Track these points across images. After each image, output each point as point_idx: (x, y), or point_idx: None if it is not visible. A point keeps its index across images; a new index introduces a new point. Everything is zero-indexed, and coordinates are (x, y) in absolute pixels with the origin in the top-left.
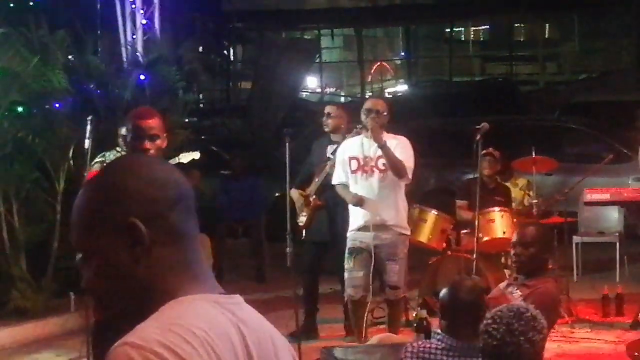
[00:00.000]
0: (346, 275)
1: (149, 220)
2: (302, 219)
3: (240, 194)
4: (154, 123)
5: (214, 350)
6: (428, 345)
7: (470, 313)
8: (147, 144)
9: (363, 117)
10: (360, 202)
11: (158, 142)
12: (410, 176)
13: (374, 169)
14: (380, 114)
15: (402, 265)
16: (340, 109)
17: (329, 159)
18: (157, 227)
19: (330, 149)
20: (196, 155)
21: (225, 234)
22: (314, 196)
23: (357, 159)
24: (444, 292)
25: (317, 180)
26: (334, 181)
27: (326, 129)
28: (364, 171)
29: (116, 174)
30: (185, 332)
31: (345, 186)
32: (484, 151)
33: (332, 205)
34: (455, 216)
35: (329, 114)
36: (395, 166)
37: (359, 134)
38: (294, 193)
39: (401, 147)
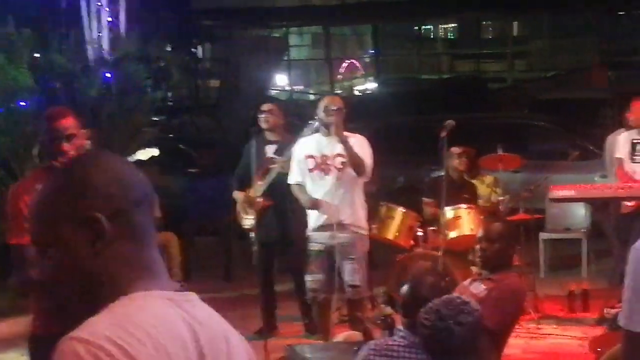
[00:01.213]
0: (307, 277)
1: (112, 216)
2: (248, 222)
3: (208, 192)
4: (68, 123)
5: (164, 348)
6: (391, 343)
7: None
8: (65, 146)
9: (322, 114)
10: (315, 205)
11: (76, 141)
12: (369, 174)
13: (331, 167)
14: (341, 110)
15: (361, 264)
16: (278, 107)
17: (271, 158)
18: (120, 223)
19: (270, 148)
20: (155, 152)
21: (193, 233)
22: (260, 198)
23: (314, 158)
24: (404, 288)
25: (261, 181)
26: (290, 181)
27: (264, 126)
28: (321, 170)
29: (83, 169)
30: (135, 328)
31: (302, 186)
32: (452, 148)
33: (281, 205)
34: (423, 213)
35: (270, 110)
36: (356, 162)
37: (317, 131)
38: (237, 195)
39: (359, 146)
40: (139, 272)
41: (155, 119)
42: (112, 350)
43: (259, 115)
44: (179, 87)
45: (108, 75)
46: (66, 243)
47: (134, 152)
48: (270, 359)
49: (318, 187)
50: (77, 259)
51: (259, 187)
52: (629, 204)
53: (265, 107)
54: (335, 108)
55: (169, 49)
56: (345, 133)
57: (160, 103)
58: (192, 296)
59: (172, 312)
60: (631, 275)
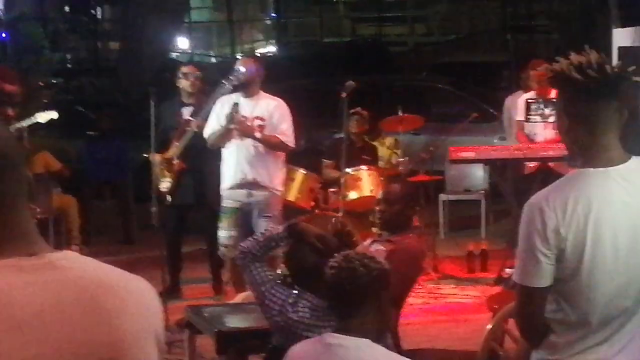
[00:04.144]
0: (220, 233)
1: None
2: (166, 185)
3: (106, 155)
4: (12, 89)
5: None
6: (296, 318)
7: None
8: (9, 111)
9: (234, 76)
10: (231, 117)
11: (17, 109)
12: (292, 144)
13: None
14: (251, 71)
15: (275, 222)
16: (197, 70)
17: (188, 120)
18: None
19: (186, 110)
20: (54, 114)
21: (92, 196)
22: (176, 160)
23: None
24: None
25: (178, 143)
26: (206, 133)
27: (190, 90)
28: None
29: None
30: None
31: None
32: (352, 110)
33: (197, 167)
34: (323, 175)
35: (188, 73)
36: (275, 147)
37: (230, 92)
38: (155, 157)
39: (280, 114)
40: None
41: (53, 80)
42: None
43: (180, 79)
44: (78, 48)
45: (3, 35)
46: None
47: (32, 114)
48: (170, 320)
49: (236, 147)
50: None
51: (176, 149)
52: (530, 165)
53: (185, 69)
54: (244, 70)
55: (67, 10)
56: (265, 95)
57: (59, 65)
58: (53, 260)
59: (12, 279)
60: (524, 231)
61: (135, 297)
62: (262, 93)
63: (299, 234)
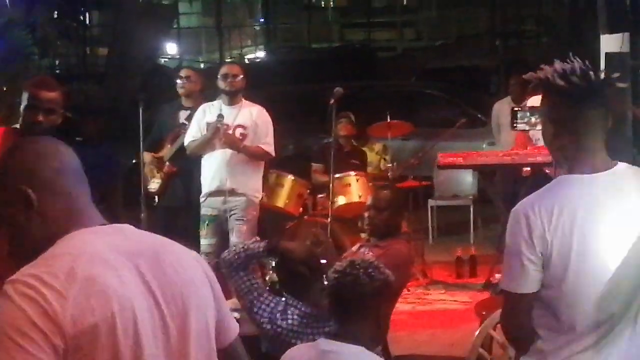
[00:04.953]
0: (202, 241)
1: (37, 186)
2: (155, 185)
3: (95, 160)
4: (53, 96)
5: (77, 261)
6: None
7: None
8: (41, 117)
9: (221, 83)
10: (216, 129)
11: (53, 117)
12: (273, 153)
13: None
14: (237, 77)
15: (250, 226)
16: (197, 74)
17: (183, 124)
18: (45, 191)
19: (183, 114)
20: None
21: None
22: (167, 162)
23: None
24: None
25: (171, 145)
26: (187, 140)
27: (181, 92)
28: (219, 138)
29: (7, 151)
30: (53, 260)
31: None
32: (348, 133)
33: (188, 171)
34: (312, 181)
35: (187, 77)
36: (257, 157)
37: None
38: (145, 156)
39: (262, 122)
40: (69, 222)
41: None
42: (31, 281)
43: (177, 81)
44: (67, 54)
45: None
46: (9, 217)
47: (19, 120)
48: None
49: (217, 154)
50: (18, 226)
51: (168, 151)
52: (527, 169)
53: (183, 72)
54: (233, 75)
55: (56, 16)
56: (247, 102)
57: (48, 71)
58: (117, 227)
59: (93, 238)
60: (510, 237)
61: (183, 254)
62: (244, 101)
63: (280, 255)
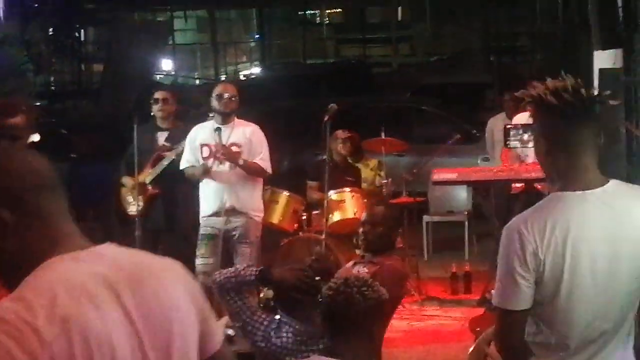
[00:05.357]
0: (198, 261)
1: (13, 205)
2: (134, 208)
3: (89, 178)
4: (16, 122)
5: (57, 295)
6: (279, 344)
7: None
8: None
9: (215, 103)
10: (207, 170)
11: (19, 142)
12: (270, 170)
13: None
14: (233, 98)
15: (254, 248)
16: (173, 95)
17: (164, 146)
18: (22, 210)
19: (161, 135)
20: (35, 137)
21: (74, 218)
22: (149, 185)
23: (209, 146)
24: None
25: (152, 168)
26: (182, 165)
27: (159, 115)
28: (216, 158)
29: None
30: (32, 294)
31: (193, 166)
32: (345, 136)
33: (170, 194)
34: (307, 197)
35: (165, 99)
36: (254, 172)
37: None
38: (126, 180)
39: (257, 140)
40: (49, 246)
41: (37, 103)
42: (11, 317)
43: (153, 104)
44: (62, 71)
45: None
46: None
47: None
48: None
49: (214, 175)
50: None
51: (149, 174)
52: (518, 185)
53: (159, 95)
54: (228, 96)
55: (50, 33)
56: (240, 121)
57: (43, 87)
58: (98, 252)
59: (74, 267)
60: (503, 254)
61: (167, 274)
62: (236, 119)
63: (272, 284)
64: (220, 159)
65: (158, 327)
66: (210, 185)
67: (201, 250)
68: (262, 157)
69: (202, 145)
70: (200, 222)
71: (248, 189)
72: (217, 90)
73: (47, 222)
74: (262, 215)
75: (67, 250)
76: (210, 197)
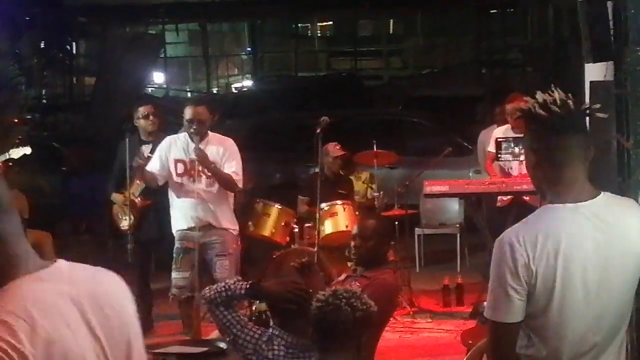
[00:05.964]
0: (173, 275)
1: None
2: (126, 223)
3: (81, 190)
4: None
5: (35, 320)
6: (271, 357)
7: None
8: None
9: (186, 126)
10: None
11: None
12: (241, 185)
13: (201, 173)
14: (203, 121)
15: (232, 260)
16: (156, 110)
17: (149, 157)
18: None
19: (146, 148)
20: (27, 150)
21: (68, 231)
22: (138, 197)
23: (184, 163)
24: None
25: (140, 181)
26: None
27: (150, 129)
28: (191, 175)
29: None
30: (10, 318)
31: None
32: (339, 153)
33: (160, 204)
34: (298, 210)
35: (153, 113)
36: (226, 183)
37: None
38: (116, 197)
39: (230, 154)
40: (11, 265)
41: (28, 116)
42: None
43: (140, 119)
44: (54, 84)
45: None
46: None
47: (7, 150)
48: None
49: (187, 191)
50: None
51: (137, 186)
52: (504, 198)
53: (145, 110)
54: (199, 121)
55: (42, 46)
56: (217, 137)
57: (35, 101)
58: (56, 271)
59: (42, 287)
60: (495, 267)
61: (116, 287)
62: (211, 134)
63: (262, 297)
64: (195, 175)
65: (119, 340)
66: (184, 201)
67: (177, 264)
68: (235, 171)
69: (176, 161)
70: (175, 235)
71: (224, 205)
72: (188, 114)
73: (6, 244)
74: (237, 228)
75: (28, 271)
76: (186, 212)
